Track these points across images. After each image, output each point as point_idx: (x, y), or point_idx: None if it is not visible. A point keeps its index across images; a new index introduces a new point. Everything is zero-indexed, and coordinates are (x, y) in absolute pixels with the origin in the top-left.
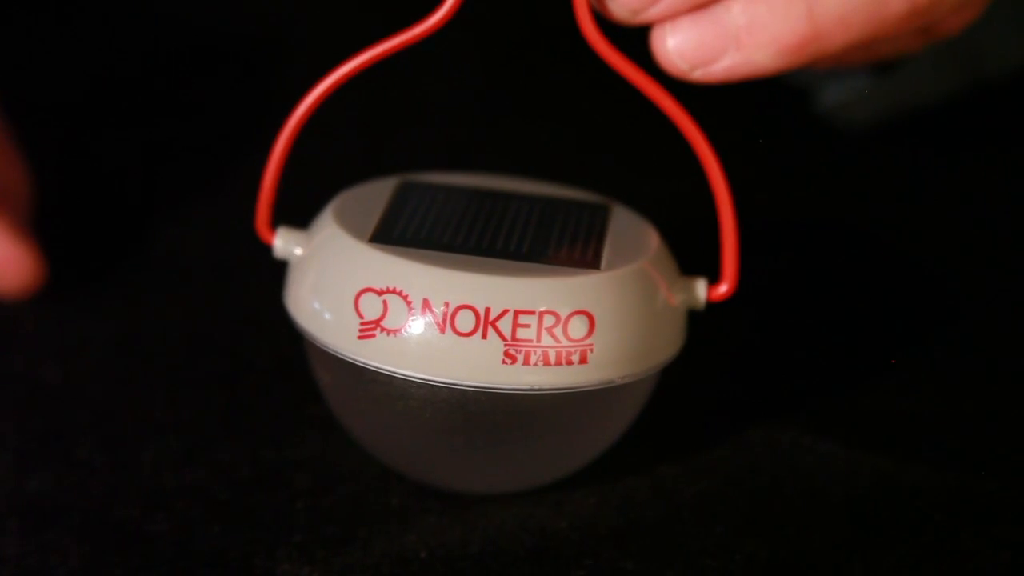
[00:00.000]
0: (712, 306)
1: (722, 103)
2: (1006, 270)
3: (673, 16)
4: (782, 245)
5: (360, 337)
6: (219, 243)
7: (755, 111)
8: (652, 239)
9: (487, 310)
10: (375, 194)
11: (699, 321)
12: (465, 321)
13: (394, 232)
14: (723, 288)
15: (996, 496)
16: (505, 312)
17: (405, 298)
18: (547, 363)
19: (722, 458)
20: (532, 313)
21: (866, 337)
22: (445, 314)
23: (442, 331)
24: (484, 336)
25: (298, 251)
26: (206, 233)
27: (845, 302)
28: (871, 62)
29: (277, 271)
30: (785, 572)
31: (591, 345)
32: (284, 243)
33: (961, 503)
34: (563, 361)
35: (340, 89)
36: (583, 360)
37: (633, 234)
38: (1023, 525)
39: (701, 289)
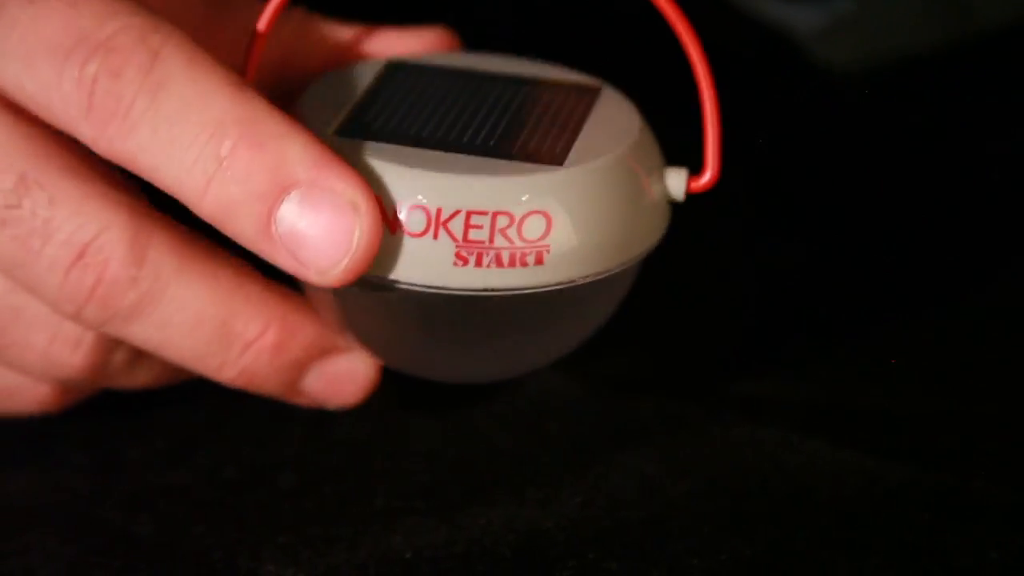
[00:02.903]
0: (699, 300)
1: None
2: (999, 263)
3: None
4: (770, 232)
5: None
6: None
7: (737, 54)
8: (634, 127)
9: (438, 211)
10: (357, 78)
11: (684, 313)
12: (416, 221)
13: (361, 122)
14: (706, 177)
15: (983, 496)
16: (456, 213)
17: None
18: (500, 265)
19: (708, 457)
20: (484, 214)
21: (854, 335)
22: (395, 213)
23: (392, 231)
24: (435, 236)
25: None
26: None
27: (832, 297)
28: None
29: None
30: (771, 572)
31: (547, 246)
32: None
33: (948, 503)
34: (517, 263)
35: None
36: (539, 261)
37: (614, 122)
38: (1010, 525)
39: (680, 179)
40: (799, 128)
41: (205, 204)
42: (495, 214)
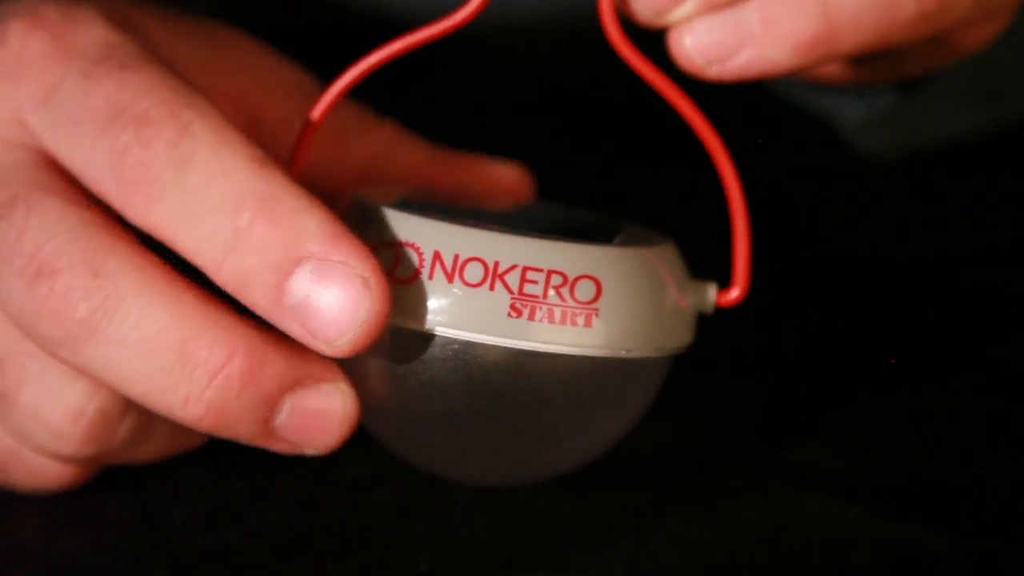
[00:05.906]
0: (735, 368)
1: (743, 126)
2: None
3: (696, 16)
4: (812, 304)
5: None
6: None
7: (777, 135)
8: (663, 240)
9: (496, 263)
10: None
11: (726, 379)
12: (474, 272)
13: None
14: (734, 293)
15: (1022, 564)
16: (513, 267)
17: (417, 250)
18: (551, 320)
19: (749, 523)
20: (540, 271)
21: (895, 403)
22: (455, 264)
23: (450, 280)
24: (492, 288)
25: None
26: None
27: (874, 366)
28: (893, 78)
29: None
30: None
31: (597, 310)
32: None
33: (989, 571)
34: (568, 321)
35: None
36: (588, 323)
37: (644, 235)
38: None
39: (711, 292)
40: (836, 212)
41: (222, 273)
42: (550, 272)
